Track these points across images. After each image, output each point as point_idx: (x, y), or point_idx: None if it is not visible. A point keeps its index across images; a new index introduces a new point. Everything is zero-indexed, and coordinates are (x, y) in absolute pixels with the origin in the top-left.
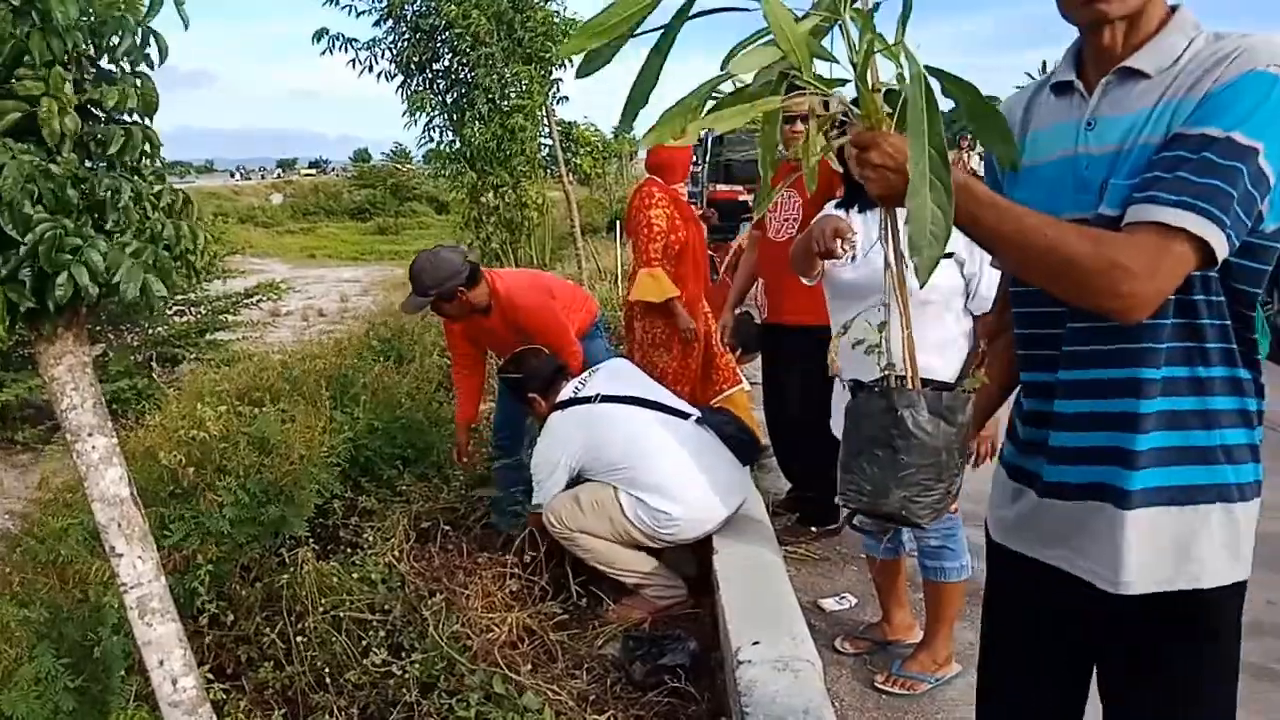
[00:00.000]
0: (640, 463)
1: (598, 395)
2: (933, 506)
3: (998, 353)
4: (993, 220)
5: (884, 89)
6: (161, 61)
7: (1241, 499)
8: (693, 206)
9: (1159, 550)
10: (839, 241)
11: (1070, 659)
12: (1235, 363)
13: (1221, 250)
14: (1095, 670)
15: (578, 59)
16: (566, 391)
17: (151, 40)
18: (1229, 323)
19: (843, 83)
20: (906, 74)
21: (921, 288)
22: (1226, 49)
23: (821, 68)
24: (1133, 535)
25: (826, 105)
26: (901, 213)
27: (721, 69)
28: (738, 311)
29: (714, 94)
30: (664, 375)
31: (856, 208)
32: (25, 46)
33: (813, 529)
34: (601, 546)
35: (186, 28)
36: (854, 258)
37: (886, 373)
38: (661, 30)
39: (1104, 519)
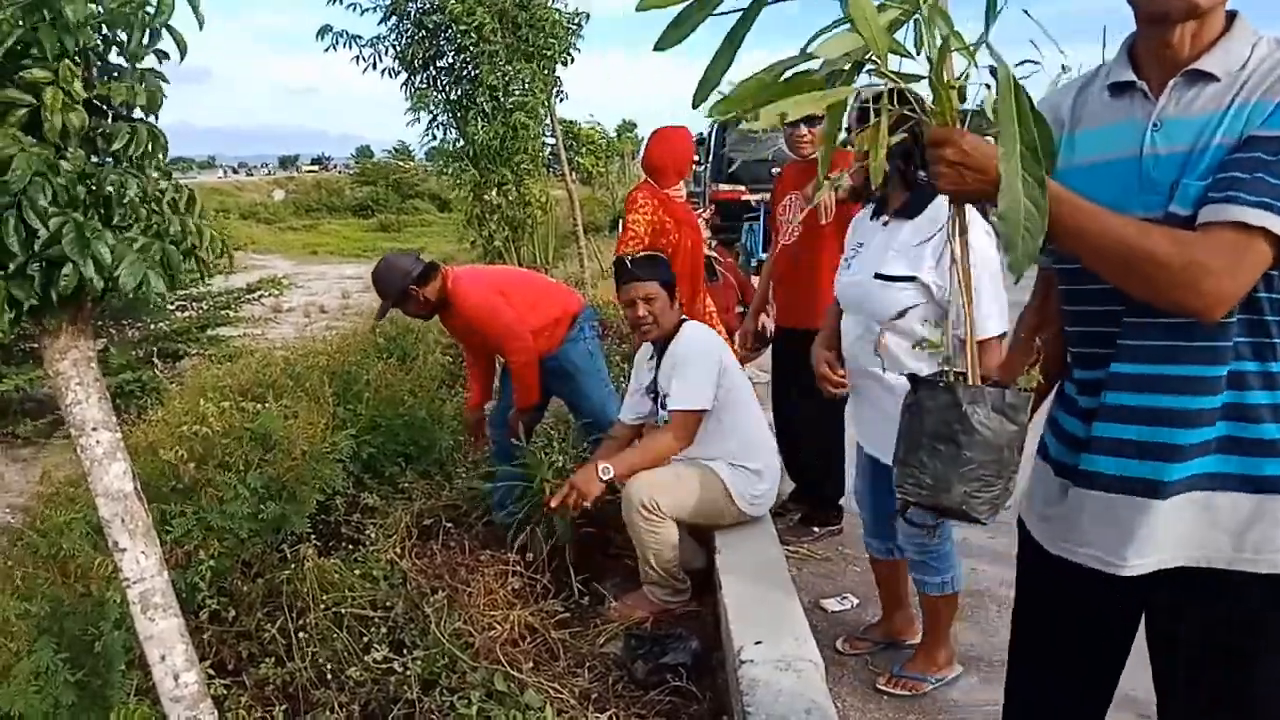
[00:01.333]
0: (752, 425)
1: None
2: (992, 503)
3: (1039, 350)
4: (1073, 218)
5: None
6: (182, 58)
7: None
8: (694, 206)
9: (1210, 529)
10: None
11: (1099, 659)
12: None
13: None
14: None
15: (578, 56)
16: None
17: (167, 35)
18: None
19: (917, 78)
20: (996, 70)
21: (1016, 283)
22: None
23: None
24: (1168, 518)
25: (893, 100)
26: (970, 211)
27: (802, 52)
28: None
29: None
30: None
31: (883, 218)
32: (34, 38)
33: (815, 529)
34: (674, 539)
35: (201, 27)
36: (849, 265)
37: (944, 368)
38: (740, 12)
39: (1138, 509)
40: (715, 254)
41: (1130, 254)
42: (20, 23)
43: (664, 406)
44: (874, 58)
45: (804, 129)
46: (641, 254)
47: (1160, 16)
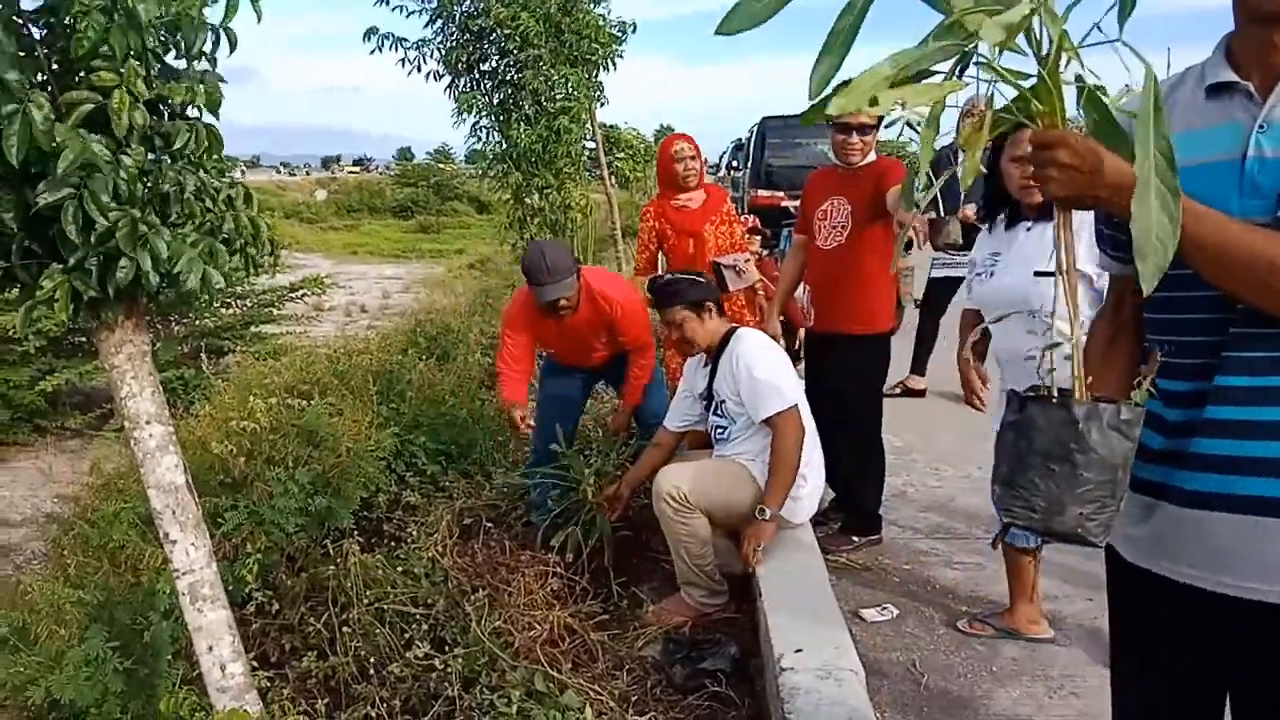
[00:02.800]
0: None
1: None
2: (1106, 524)
3: (1113, 363)
4: (1194, 225)
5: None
6: (231, 52)
7: None
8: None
9: None
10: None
11: (1204, 684)
12: None
13: None
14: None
15: (620, 63)
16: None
17: (221, 35)
18: None
19: (1025, 76)
20: (1133, 73)
21: (1145, 295)
22: None
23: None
24: None
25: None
26: (1080, 217)
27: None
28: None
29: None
30: (674, 376)
31: (988, 225)
32: (105, 39)
33: (854, 538)
34: (705, 533)
35: (259, 20)
36: (991, 272)
37: (1048, 383)
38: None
39: (1249, 527)
40: (736, 263)
41: (1256, 262)
42: (104, 27)
43: (719, 414)
44: (983, 53)
45: (855, 137)
46: (664, 280)
47: (1270, 16)
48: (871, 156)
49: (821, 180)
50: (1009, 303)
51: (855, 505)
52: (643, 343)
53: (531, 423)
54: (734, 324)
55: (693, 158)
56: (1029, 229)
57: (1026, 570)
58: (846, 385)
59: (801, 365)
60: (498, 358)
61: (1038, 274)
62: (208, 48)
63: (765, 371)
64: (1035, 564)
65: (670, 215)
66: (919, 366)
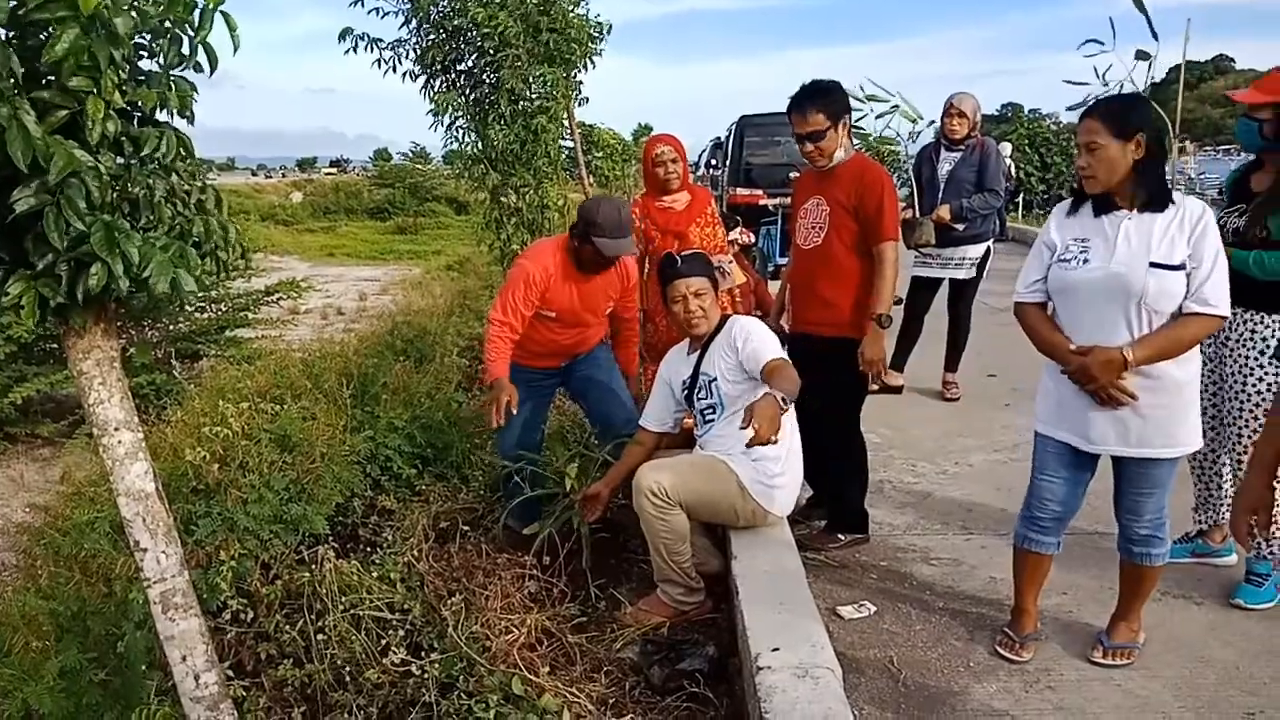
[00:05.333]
0: None
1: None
2: None
3: None
4: None
5: None
6: (211, 72)
7: None
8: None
9: None
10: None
11: None
12: None
13: None
14: None
15: (599, 62)
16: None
17: (200, 50)
18: None
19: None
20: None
21: None
22: None
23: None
24: None
25: None
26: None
27: None
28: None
29: None
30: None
31: (1125, 212)
32: (83, 47)
33: (840, 536)
34: (684, 529)
35: (236, 50)
36: (1084, 259)
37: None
38: None
39: None
40: (720, 264)
41: None
42: (81, 38)
43: (707, 394)
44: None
45: (809, 145)
46: (689, 251)
47: None
48: (841, 155)
49: (805, 181)
50: (1112, 291)
51: (842, 503)
52: (634, 307)
53: (514, 410)
54: (728, 312)
55: (674, 161)
56: (1128, 218)
57: (1153, 585)
58: (829, 386)
59: None
60: (499, 306)
61: (1154, 265)
62: (186, 51)
63: (764, 338)
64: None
65: (655, 216)
66: (898, 363)
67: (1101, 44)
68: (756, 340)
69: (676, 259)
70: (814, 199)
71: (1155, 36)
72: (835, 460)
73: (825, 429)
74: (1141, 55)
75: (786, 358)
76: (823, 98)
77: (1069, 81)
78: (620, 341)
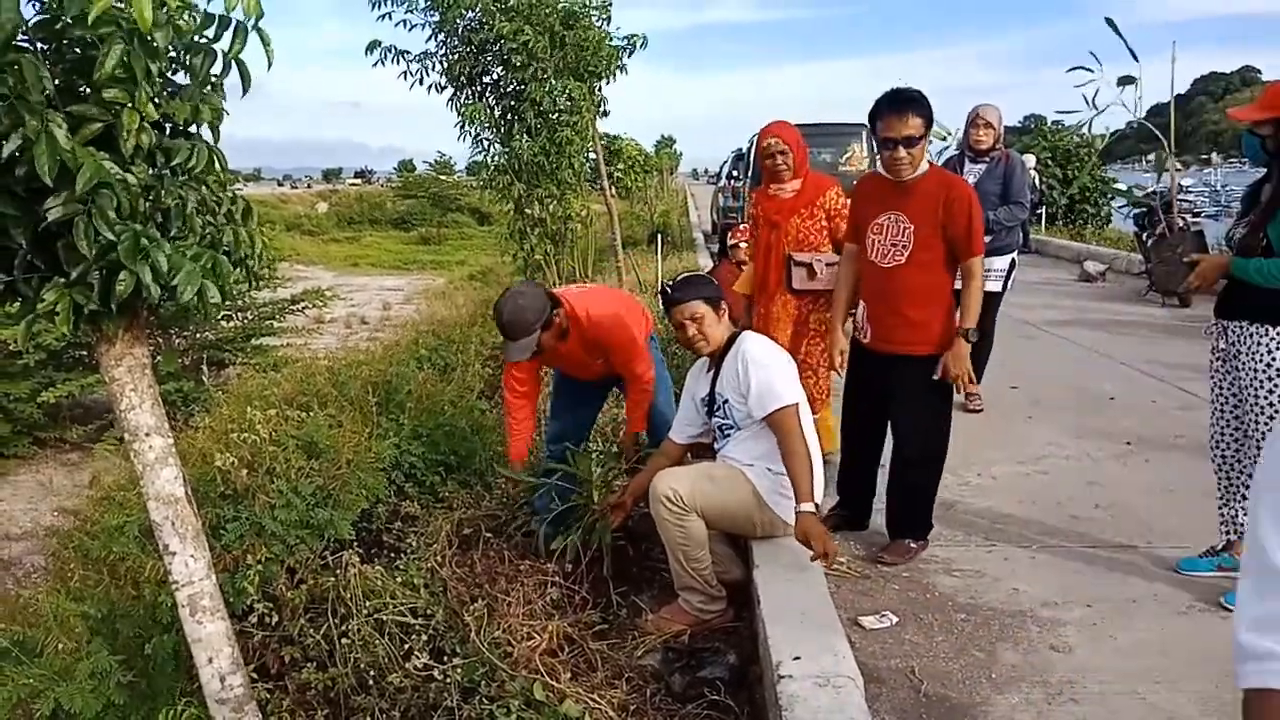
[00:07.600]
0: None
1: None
2: None
3: None
4: None
5: None
6: (245, 91)
7: None
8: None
9: None
10: None
11: None
12: None
13: None
14: None
15: (620, 76)
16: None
17: (234, 68)
18: None
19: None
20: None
21: None
22: None
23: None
24: None
25: None
26: None
27: None
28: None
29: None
30: None
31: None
32: (125, 63)
33: (912, 545)
34: (701, 536)
35: (270, 66)
36: None
37: None
38: None
39: None
40: (810, 261)
41: None
42: (124, 53)
43: (722, 414)
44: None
45: (901, 150)
46: (680, 277)
47: None
48: (924, 168)
49: (875, 191)
50: None
51: (919, 512)
52: (632, 371)
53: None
54: (737, 329)
55: (783, 152)
56: None
57: None
58: (916, 407)
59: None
60: (504, 385)
61: None
62: (217, 69)
63: (770, 371)
64: None
65: (763, 203)
66: None
67: (1090, 70)
68: (762, 382)
69: (669, 287)
70: (889, 214)
71: (1135, 58)
72: (919, 478)
73: (919, 449)
74: (1125, 80)
75: (787, 408)
76: (921, 103)
77: (1061, 112)
78: (628, 404)
